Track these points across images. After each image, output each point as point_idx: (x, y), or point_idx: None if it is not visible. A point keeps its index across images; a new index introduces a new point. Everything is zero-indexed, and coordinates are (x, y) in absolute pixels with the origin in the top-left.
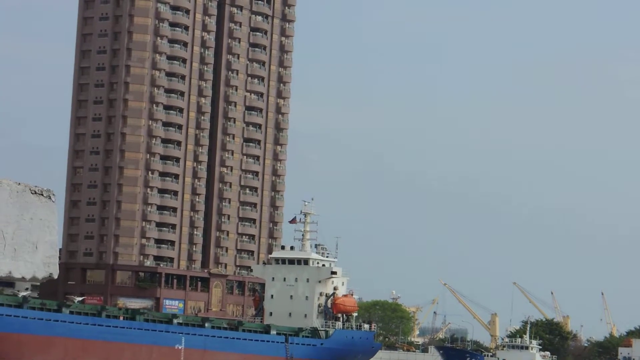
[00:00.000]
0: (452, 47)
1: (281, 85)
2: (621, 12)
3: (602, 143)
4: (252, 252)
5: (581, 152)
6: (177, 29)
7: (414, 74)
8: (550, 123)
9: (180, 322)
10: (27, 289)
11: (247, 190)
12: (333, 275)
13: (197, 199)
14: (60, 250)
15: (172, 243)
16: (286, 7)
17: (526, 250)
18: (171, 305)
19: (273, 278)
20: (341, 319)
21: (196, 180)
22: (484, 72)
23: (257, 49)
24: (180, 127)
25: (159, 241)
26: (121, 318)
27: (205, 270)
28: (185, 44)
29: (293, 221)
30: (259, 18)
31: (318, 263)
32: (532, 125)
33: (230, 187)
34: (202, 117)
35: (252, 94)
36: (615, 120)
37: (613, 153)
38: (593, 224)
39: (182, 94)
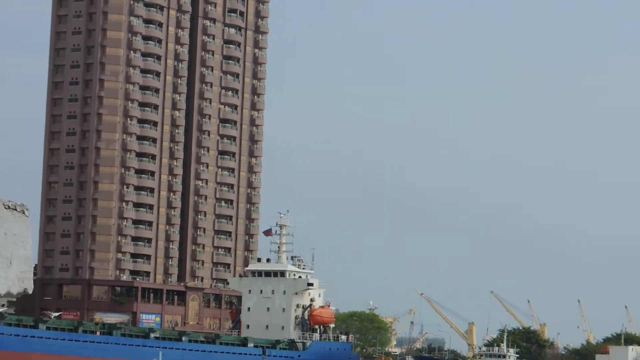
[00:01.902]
0: (427, 60)
1: (255, 97)
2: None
3: (572, 158)
4: (228, 265)
5: (556, 168)
6: (151, 42)
7: (389, 86)
8: (527, 139)
9: (157, 336)
10: (3, 305)
11: (223, 203)
12: (310, 287)
13: (172, 213)
14: (36, 266)
15: (148, 257)
16: (259, 19)
17: (503, 259)
18: (148, 319)
19: (250, 290)
20: (318, 330)
21: (171, 193)
22: (462, 86)
23: (230, 61)
24: (154, 140)
25: (135, 255)
26: (98, 333)
27: (182, 284)
28: (158, 57)
29: (268, 233)
30: (232, 30)
31: (294, 275)
32: (508, 140)
33: (206, 200)
34: (177, 130)
35: (227, 107)
36: (590, 137)
37: (586, 169)
38: (567, 234)
39: (156, 107)
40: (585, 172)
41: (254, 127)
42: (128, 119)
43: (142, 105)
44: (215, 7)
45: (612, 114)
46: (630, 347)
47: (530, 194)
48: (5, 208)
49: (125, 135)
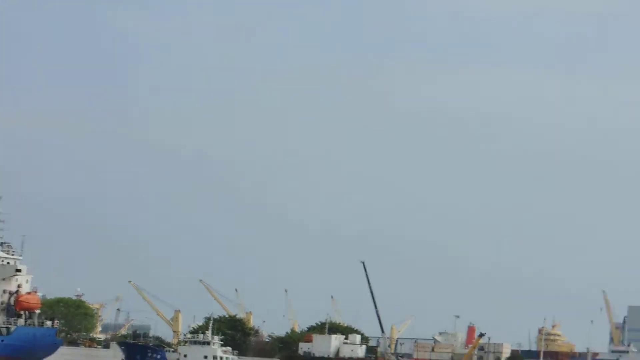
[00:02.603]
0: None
1: None
2: None
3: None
4: None
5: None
6: None
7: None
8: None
9: None
10: None
11: None
12: (17, 273)
13: None
14: None
15: None
16: None
17: (212, 247)
18: None
19: None
20: (24, 316)
21: None
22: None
23: None
24: None
25: None
26: None
27: None
28: None
29: None
30: None
31: (2, 261)
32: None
33: None
34: None
35: None
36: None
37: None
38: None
39: None
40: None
41: None
42: None
43: None
44: None
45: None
46: (333, 336)
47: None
48: None
49: None
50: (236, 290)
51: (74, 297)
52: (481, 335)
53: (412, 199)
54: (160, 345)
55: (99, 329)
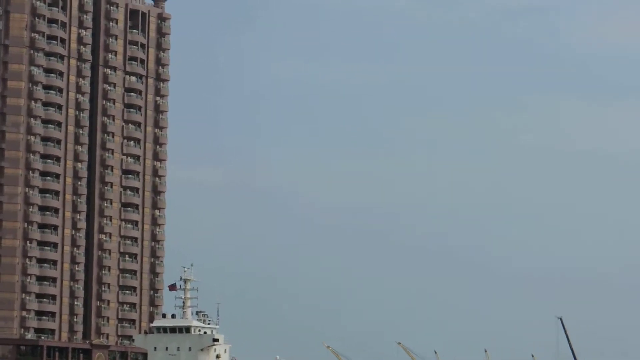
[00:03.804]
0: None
1: (157, 147)
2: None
3: None
4: (134, 320)
5: None
6: (51, 91)
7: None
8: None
9: None
10: None
11: (127, 257)
12: (215, 343)
13: (76, 268)
14: None
15: (53, 314)
16: (160, 67)
17: (409, 306)
18: None
19: (155, 348)
20: None
21: (75, 248)
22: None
23: (132, 109)
24: (57, 193)
25: (39, 313)
26: None
27: (87, 342)
28: (60, 107)
29: (173, 288)
30: (133, 78)
31: (199, 331)
32: None
33: (110, 254)
34: (79, 183)
35: (129, 158)
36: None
37: None
38: None
39: (57, 159)
40: None
41: (157, 178)
42: (30, 171)
43: (44, 157)
44: (115, 55)
45: None
46: None
47: None
48: None
49: (27, 188)
50: (435, 352)
51: None
52: None
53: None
54: None
55: None
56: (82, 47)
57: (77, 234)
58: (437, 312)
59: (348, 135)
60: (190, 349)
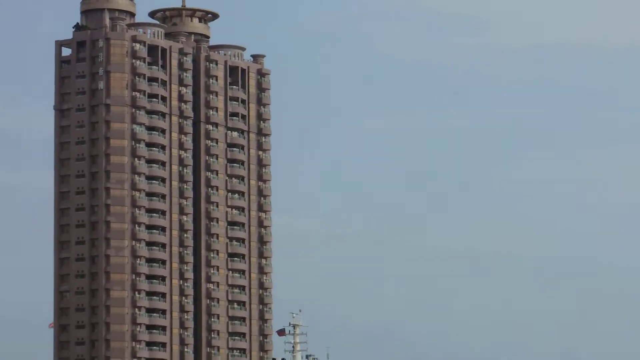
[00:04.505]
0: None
1: (262, 198)
2: None
3: None
4: None
5: None
6: (154, 148)
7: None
8: None
9: None
10: None
11: (235, 305)
12: None
13: (185, 317)
14: None
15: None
16: (261, 122)
17: None
18: None
19: None
20: None
21: (183, 297)
22: None
23: (235, 164)
24: (164, 245)
25: (149, 344)
26: None
27: None
28: (163, 164)
29: (281, 333)
30: (235, 134)
31: None
32: None
33: (218, 302)
34: (185, 235)
35: (234, 209)
36: None
37: None
38: None
39: (163, 212)
40: None
41: (262, 229)
42: (136, 225)
43: (149, 211)
44: (217, 111)
45: None
46: None
47: None
48: None
49: (134, 241)
50: None
51: None
52: None
53: None
54: None
55: None
56: (182, 104)
57: (185, 284)
58: None
59: None
60: None
